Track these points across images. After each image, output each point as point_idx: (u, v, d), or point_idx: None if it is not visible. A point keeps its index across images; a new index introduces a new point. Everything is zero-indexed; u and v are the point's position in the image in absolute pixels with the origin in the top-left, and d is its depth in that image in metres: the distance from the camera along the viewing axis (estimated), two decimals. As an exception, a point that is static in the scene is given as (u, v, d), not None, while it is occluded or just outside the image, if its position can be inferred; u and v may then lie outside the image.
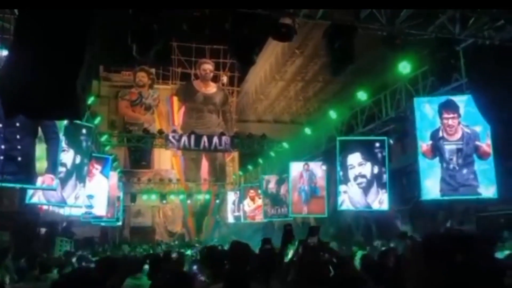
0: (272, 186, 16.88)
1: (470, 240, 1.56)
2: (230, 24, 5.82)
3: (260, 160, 19.47)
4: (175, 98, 26.11)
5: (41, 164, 7.95)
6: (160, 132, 17.44)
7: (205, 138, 16.82)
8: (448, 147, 8.44)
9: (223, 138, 16.96)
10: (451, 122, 8.42)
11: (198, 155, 24.71)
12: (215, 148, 16.96)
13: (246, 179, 22.40)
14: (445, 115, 8.48)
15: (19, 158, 7.31)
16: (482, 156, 8.20)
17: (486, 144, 8.16)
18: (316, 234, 3.44)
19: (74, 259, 7.10)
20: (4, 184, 7.43)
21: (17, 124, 7.22)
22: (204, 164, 26.03)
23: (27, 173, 7.58)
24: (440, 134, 8.50)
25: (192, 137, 16.68)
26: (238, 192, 21.73)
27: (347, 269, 3.08)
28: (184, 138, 16.66)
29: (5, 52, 6.22)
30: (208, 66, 25.34)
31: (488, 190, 8.10)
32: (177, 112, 25.95)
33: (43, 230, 11.99)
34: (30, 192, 9.50)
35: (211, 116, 25.82)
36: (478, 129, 8.24)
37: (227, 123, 25.88)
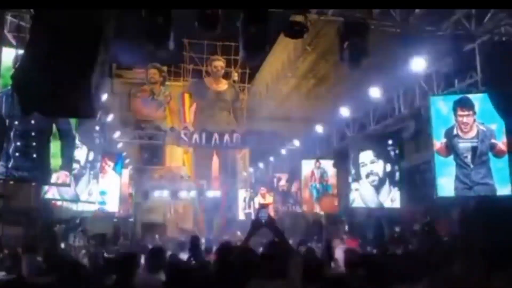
0: (283, 183, 16.88)
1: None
2: (242, 21, 5.81)
3: (271, 158, 19.43)
4: (186, 95, 26.14)
5: (55, 161, 8.06)
6: (172, 129, 17.56)
7: (216, 135, 16.85)
8: (462, 145, 8.28)
9: (234, 135, 16.98)
10: (466, 119, 8.26)
11: (209, 152, 24.79)
12: (226, 145, 16.99)
13: (257, 176, 22.40)
14: (460, 112, 8.31)
15: (34, 155, 7.42)
16: (498, 154, 8.03)
17: (502, 142, 7.99)
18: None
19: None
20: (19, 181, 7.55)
21: (32, 122, 7.33)
22: (215, 161, 26.12)
23: (42, 170, 7.69)
24: (455, 131, 8.35)
25: (203, 134, 16.74)
26: (248, 189, 21.77)
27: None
28: (196, 135, 16.72)
29: (21, 51, 6.30)
30: (219, 63, 25.30)
31: (503, 189, 7.95)
32: (189, 109, 26.00)
33: (57, 226, 12.15)
34: (45, 188, 9.67)
35: (222, 113, 25.83)
36: (494, 126, 8.06)
37: (238, 120, 25.88)
